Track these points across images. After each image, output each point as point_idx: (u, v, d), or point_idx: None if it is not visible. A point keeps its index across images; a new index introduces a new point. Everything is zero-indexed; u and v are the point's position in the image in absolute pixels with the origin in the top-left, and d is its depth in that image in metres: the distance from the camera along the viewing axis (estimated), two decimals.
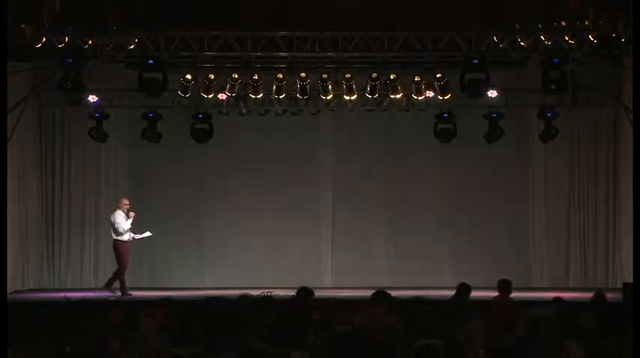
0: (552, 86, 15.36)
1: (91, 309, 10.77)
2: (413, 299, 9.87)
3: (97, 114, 16.52)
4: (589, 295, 12.76)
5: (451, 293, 11.78)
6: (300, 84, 15.84)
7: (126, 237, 15.44)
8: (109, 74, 16.59)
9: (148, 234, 15.73)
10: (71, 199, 17.58)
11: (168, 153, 17.42)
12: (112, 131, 16.86)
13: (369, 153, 17.76)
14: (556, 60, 15.14)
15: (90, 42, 14.87)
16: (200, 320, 8.15)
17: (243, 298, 9.38)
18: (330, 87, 15.96)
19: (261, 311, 9.12)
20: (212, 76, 15.73)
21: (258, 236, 17.54)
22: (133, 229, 15.54)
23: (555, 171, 17.69)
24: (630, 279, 13.83)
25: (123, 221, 15.40)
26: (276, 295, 12.35)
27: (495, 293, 11.82)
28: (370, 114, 17.25)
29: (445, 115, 16.76)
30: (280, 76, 15.83)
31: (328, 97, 16.17)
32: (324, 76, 15.88)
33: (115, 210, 15.58)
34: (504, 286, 11.79)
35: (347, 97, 16.09)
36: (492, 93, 16.02)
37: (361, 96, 16.11)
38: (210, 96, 15.93)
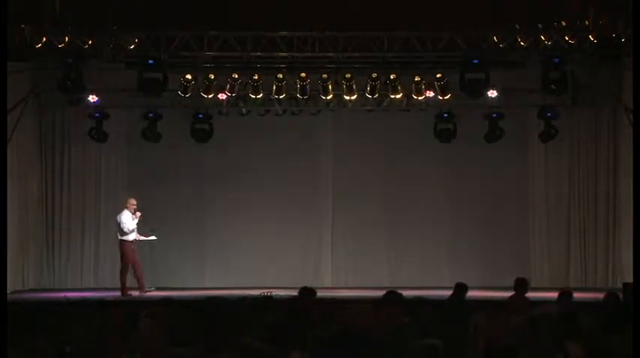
0: (552, 86, 15.38)
1: (91, 309, 10.77)
2: (414, 300, 9.89)
3: (97, 114, 16.52)
4: (589, 295, 12.81)
5: (451, 293, 11.77)
6: (300, 84, 15.84)
7: (131, 237, 15.44)
8: (109, 74, 16.58)
9: (153, 237, 15.74)
10: (71, 199, 17.58)
11: (169, 153, 17.42)
12: (112, 131, 16.86)
13: (369, 153, 17.75)
14: (556, 60, 15.16)
15: (90, 42, 14.86)
16: (200, 320, 8.15)
17: (243, 298, 9.39)
18: (330, 87, 15.96)
19: (261, 311, 9.13)
20: (212, 76, 15.73)
21: (258, 236, 17.53)
22: (139, 230, 15.55)
23: (555, 171, 17.69)
24: (630, 279, 13.83)
25: (129, 221, 15.41)
26: (276, 295, 12.35)
27: (497, 293, 11.82)
28: (370, 114, 17.25)
29: (445, 115, 16.77)
30: (280, 76, 15.83)
31: (328, 97, 16.17)
32: (324, 76, 15.88)
33: (122, 210, 15.58)
34: (521, 285, 11.81)
35: (347, 97, 16.09)
36: (492, 93, 16.02)
37: (361, 96, 16.11)
38: (210, 96, 15.93)
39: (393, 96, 16.16)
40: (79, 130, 17.15)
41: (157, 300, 14.62)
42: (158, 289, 15.66)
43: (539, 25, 15.08)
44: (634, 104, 13.88)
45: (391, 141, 17.70)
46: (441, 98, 15.96)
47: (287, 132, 17.63)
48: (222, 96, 16.10)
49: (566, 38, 14.90)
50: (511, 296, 11.74)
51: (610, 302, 10.37)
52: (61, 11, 14.99)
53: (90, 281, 17.42)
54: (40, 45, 14.70)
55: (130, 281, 15.55)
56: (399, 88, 15.93)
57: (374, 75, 15.73)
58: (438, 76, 15.74)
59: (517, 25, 15.15)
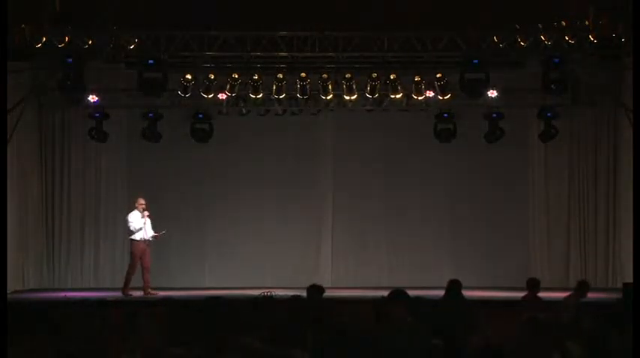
0: (552, 86, 15.38)
1: (91, 309, 10.77)
2: (414, 299, 9.86)
3: (97, 114, 16.53)
4: (589, 295, 12.78)
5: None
6: (300, 84, 15.84)
7: (138, 236, 15.44)
8: (109, 74, 16.59)
9: (162, 231, 15.70)
10: (71, 199, 17.58)
11: (169, 153, 17.42)
12: (112, 131, 16.87)
13: (369, 153, 17.76)
14: (556, 60, 15.16)
15: (90, 42, 14.87)
16: (200, 320, 8.14)
17: (243, 298, 9.39)
18: (330, 87, 15.96)
19: (261, 311, 9.13)
20: (212, 76, 15.74)
21: (258, 236, 17.55)
22: (148, 228, 15.54)
23: (555, 171, 17.69)
24: (630, 279, 13.83)
25: (136, 220, 15.42)
26: (276, 295, 12.36)
27: (497, 293, 11.82)
28: (370, 114, 17.25)
29: (445, 115, 16.77)
30: (280, 76, 15.84)
31: (328, 97, 16.17)
32: (324, 76, 15.88)
33: (132, 210, 15.60)
34: (533, 285, 11.81)
35: (347, 97, 16.10)
36: (492, 93, 16.02)
37: (361, 96, 16.12)
38: (210, 96, 15.93)
39: (393, 96, 16.16)
40: (79, 130, 17.16)
41: (157, 300, 14.65)
42: (158, 289, 15.66)
43: (539, 25, 15.07)
44: (634, 104, 13.88)
45: (391, 141, 17.71)
46: (441, 98, 15.97)
47: (287, 132, 17.63)
48: (222, 96, 16.10)
49: (566, 38, 14.90)
50: (524, 296, 11.75)
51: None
52: (61, 11, 14.99)
53: (90, 282, 17.42)
54: (40, 45, 14.70)
55: (139, 279, 15.54)
56: (399, 87, 15.93)
57: (374, 75, 15.73)
58: (438, 76, 15.74)
59: (517, 25, 15.14)
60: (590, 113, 17.47)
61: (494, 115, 16.65)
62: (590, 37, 14.79)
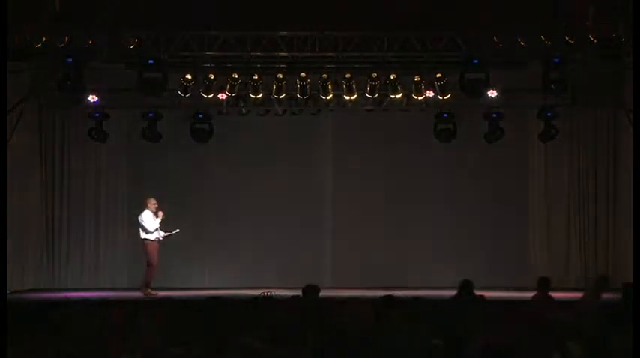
0: (552, 86, 15.37)
1: (91, 309, 10.78)
2: (414, 299, 9.89)
3: (97, 114, 16.52)
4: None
5: (451, 293, 11.76)
6: (300, 84, 15.84)
7: (154, 236, 15.46)
8: (109, 74, 16.58)
9: (176, 231, 15.74)
10: (71, 199, 17.58)
11: (169, 153, 17.42)
12: (112, 131, 16.87)
13: (369, 153, 17.76)
14: (556, 60, 15.15)
15: (90, 42, 14.87)
16: (200, 320, 8.15)
17: (243, 298, 9.40)
18: (330, 87, 15.96)
19: (261, 311, 9.13)
20: (212, 76, 15.74)
21: (258, 236, 17.55)
22: (161, 229, 15.58)
23: (555, 171, 17.69)
24: (630, 279, 13.82)
25: (151, 220, 15.46)
26: (276, 295, 12.36)
27: (498, 293, 11.81)
28: (370, 114, 17.25)
29: (445, 115, 16.75)
30: (280, 76, 15.84)
31: (328, 97, 16.18)
32: (324, 76, 15.89)
33: (143, 210, 15.66)
34: (544, 284, 11.80)
35: (347, 97, 16.10)
36: (492, 93, 16.02)
37: (361, 96, 16.12)
38: (210, 96, 15.93)
39: (393, 96, 16.16)
40: (79, 130, 17.15)
41: (156, 300, 14.66)
42: (158, 289, 15.66)
43: (540, 25, 15.07)
44: (634, 104, 13.87)
45: (391, 141, 17.71)
46: (441, 98, 15.96)
47: (287, 132, 17.63)
48: (222, 96, 16.10)
49: (566, 38, 14.90)
50: (534, 296, 11.73)
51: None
52: (61, 11, 14.98)
53: (90, 282, 17.42)
54: (40, 45, 14.70)
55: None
56: (399, 87, 15.93)
57: (374, 75, 15.73)
58: (438, 76, 15.74)
59: (517, 25, 15.14)
60: (590, 113, 17.47)
61: (494, 115, 16.64)
62: (590, 37, 14.78)
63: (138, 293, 15.31)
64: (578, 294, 12.65)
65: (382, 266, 17.63)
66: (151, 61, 15.08)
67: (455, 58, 15.66)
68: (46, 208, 17.49)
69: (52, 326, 8.53)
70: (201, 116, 16.80)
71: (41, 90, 16.62)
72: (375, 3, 15.50)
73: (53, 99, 16.77)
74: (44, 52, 14.92)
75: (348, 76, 15.78)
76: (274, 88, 15.96)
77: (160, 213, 15.54)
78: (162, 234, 15.63)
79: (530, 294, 12.43)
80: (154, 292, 15.40)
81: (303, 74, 15.76)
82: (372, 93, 15.97)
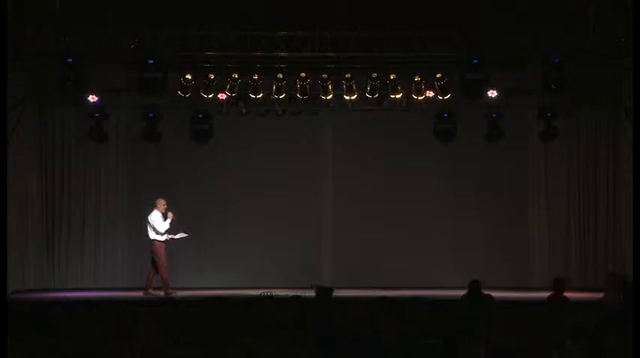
0: (552, 86, 15.38)
1: (91, 309, 10.77)
2: (412, 299, 9.89)
3: (97, 114, 16.53)
4: (589, 295, 12.79)
5: (451, 292, 11.78)
6: (300, 84, 15.85)
7: (164, 237, 15.48)
8: (109, 74, 16.58)
9: (183, 234, 15.74)
10: (71, 199, 17.57)
11: (169, 153, 17.42)
12: (112, 131, 16.86)
13: (369, 153, 17.75)
14: (556, 60, 15.16)
15: (90, 42, 14.87)
16: (200, 320, 8.15)
17: (243, 298, 9.40)
18: (330, 87, 15.97)
19: (261, 311, 9.13)
20: (212, 76, 15.75)
21: (258, 236, 17.53)
22: (170, 230, 15.57)
23: (555, 171, 17.69)
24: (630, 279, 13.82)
25: (161, 221, 15.46)
26: (276, 295, 12.36)
27: (498, 293, 11.80)
28: (370, 114, 17.25)
29: (445, 115, 16.77)
30: (280, 76, 15.85)
31: (328, 97, 16.18)
32: (324, 76, 15.90)
33: (152, 211, 15.64)
34: (560, 284, 11.79)
35: (347, 97, 16.11)
36: (492, 93, 16.02)
37: (361, 96, 16.12)
38: (210, 96, 15.94)
39: (393, 96, 16.18)
40: (79, 130, 17.15)
41: (157, 300, 14.66)
42: (158, 289, 15.67)
43: (540, 25, 15.09)
44: (634, 104, 13.89)
45: (391, 141, 17.70)
46: (441, 98, 15.98)
47: (287, 132, 17.63)
48: (222, 96, 16.11)
49: (566, 38, 14.91)
50: (550, 296, 11.73)
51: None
52: (61, 11, 14.99)
53: (90, 282, 17.41)
54: (40, 45, 14.70)
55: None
56: (399, 87, 15.94)
57: (374, 75, 15.75)
58: (438, 76, 15.76)
59: (517, 25, 15.15)
60: (590, 113, 17.46)
61: (494, 115, 16.66)
62: (590, 37, 14.79)
63: (138, 293, 15.31)
64: (591, 294, 12.63)
65: (382, 266, 17.62)
66: (150, 61, 15.09)
67: (455, 58, 15.66)
68: (46, 208, 17.48)
69: (52, 326, 8.53)
70: (201, 116, 16.81)
71: (41, 91, 16.62)
72: (375, 3, 15.52)
73: (53, 99, 16.78)
74: (44, 52, 14.91)
75: (348, 76, 15.79)
76: (274, 88, 15.97)
77: (170, 214, 15.52)
78: (171, 236, 15.59)
79: (530, 294, 12.45)
80: (155, 292, 15.41)
81: (303, 74, 15.77)
82: (372, 93, 15.97)
